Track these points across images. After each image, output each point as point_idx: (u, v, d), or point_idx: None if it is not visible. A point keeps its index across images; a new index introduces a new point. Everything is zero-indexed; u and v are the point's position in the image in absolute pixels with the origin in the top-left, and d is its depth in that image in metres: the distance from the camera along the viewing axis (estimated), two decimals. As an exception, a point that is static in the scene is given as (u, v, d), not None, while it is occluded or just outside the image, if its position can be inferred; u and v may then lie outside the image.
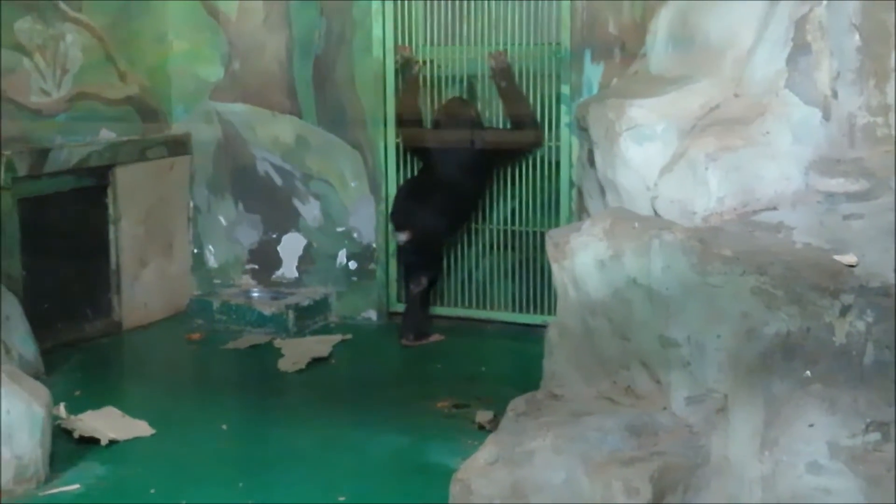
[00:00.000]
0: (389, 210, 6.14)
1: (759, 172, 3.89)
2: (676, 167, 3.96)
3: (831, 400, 3.16)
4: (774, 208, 3.83)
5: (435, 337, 5.98)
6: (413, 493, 4.05)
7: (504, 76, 5.95)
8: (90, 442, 4.45)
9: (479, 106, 6.13)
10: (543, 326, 4.53)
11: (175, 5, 6.53)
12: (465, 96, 6.16)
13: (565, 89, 5.87)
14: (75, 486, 4.10)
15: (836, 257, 3.39)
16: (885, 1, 4.06)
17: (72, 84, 5.91)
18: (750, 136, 3.93)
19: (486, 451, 3.65)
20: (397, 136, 6.23)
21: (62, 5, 5.82)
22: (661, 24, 4.66)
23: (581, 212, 5.05)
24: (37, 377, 4.57)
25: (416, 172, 6.24)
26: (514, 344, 5.88)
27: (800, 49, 4.04)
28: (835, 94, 3.99)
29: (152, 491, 4.08)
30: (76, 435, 4.48)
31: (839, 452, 3.12)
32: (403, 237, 5.89)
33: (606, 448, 3.49)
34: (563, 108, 5.88)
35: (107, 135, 6.12)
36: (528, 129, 5.97)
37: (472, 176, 5.99)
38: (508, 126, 6.05)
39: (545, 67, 5.96)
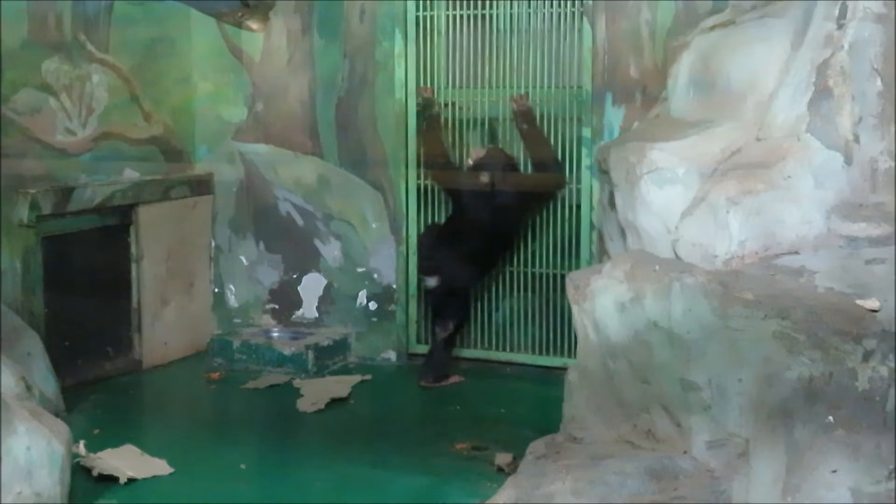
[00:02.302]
0: (417, 255, 6.15)
1: (781, 216, 3.89)
2: (697, 210, 3.96)
3: (854, 446, 3.14)
4: (796, 252, 3.83)
5: (454, 379, 5.96)
6: (432, 535, 4.03)
7: (526, 119, 5.97)
8: (109, 480, 4.45)
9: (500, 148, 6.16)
10: (563, 369, 4.52)
11: (200, 47, 6.61)
12: (486, 138, 6.18)
13: (586, 132, 5.89)
14: (93, 525, 4.10)
15: (859, 302, 3.38)
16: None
17: (97, 124, 5.96)
18: (771, 179, 3.94)
19: (505, 494, 3.63)
20: (419, 178, 6.25)
21: (89, 46, 5.89)
22: (683, 68, 4.69)
23: (601, 254, 5.06)
24: (57, 414, 4.58)
25: (437, 214, 6.25)
26: (534, 386, 5.85)
27: (822, 94, 4.05)
28: (857, 139, 4.00)
29: (170, 530, 4.08)
30: (95, 473, 4.48)
31: (862, 499, 3.09)
32: (433, 282, 5.91)
33: (626, 492, 3.47)
34: (584, 150, 5.89)
35: (130, 174, 6.17)
36: (551, 172, 5.98)
37: (504, 222, 5.99)
38: (531, 170, 6.06)
39: (566, 110, 5.99)
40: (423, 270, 6.06)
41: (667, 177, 4.19)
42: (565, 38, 5.96)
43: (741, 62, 4.41)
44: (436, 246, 6.00)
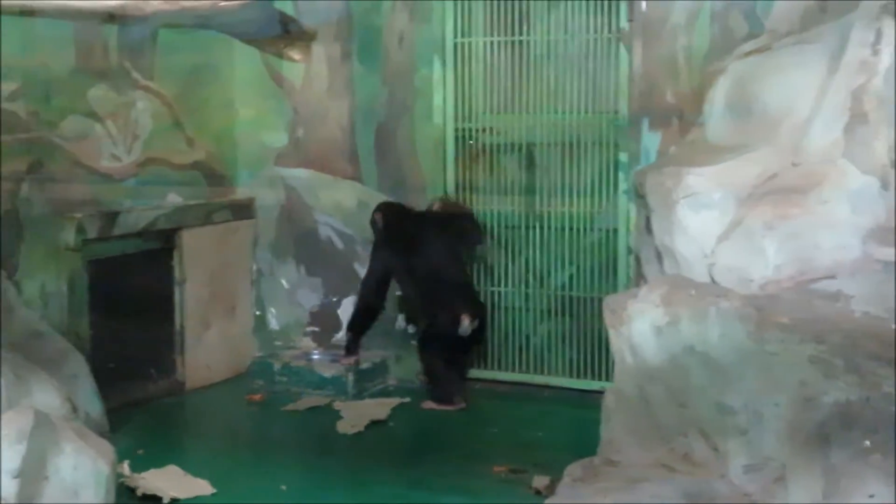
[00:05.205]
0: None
1: (817, 241, 3.89)
2: (733, 235, 3.98)
3: (891, 470, 3.14)
4: (833, 277, 3.83)
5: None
6: (469, 557, 4.05)
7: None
8: (152, 500, 4.51)
9: (538, 173, 6.19)
10: (600, 392, 4.52)
11: (242, 74, 6.71)
12: (524, 163, 6.21)
13: (623, 157, 5.92)
14: (137, 544, 4.16)
15: None
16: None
17: (141, 149, 6.06)
18: (807, 204, 3.95)
19: (543, 516, 3.65)
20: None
21: (134, 73, 6.00)
22: (719, 93, 4.71)
23: (638, 278, 5.07)
24: (102, 435, 4.62)
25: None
26: (571, 410, 5.86)
27: (857, 119, 4.06)
28: (893, 164, 4.00)
29: (212, 550, 4.13)
30: (139, 493, 4.54)
31: (899, 523, 3.09)
32: (466, 322, 5.87)
33: (663, 515, 3.48)
34: (621, 175, 5.92)
35: (174, 199, 6.26)
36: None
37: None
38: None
39: (603, 135, 6.02)
40: (451, 323, 5.92)
41: (703, 201, 4.21)
42: (602, 64, 6.00)
43: (777, 87, 4.43)
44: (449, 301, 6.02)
